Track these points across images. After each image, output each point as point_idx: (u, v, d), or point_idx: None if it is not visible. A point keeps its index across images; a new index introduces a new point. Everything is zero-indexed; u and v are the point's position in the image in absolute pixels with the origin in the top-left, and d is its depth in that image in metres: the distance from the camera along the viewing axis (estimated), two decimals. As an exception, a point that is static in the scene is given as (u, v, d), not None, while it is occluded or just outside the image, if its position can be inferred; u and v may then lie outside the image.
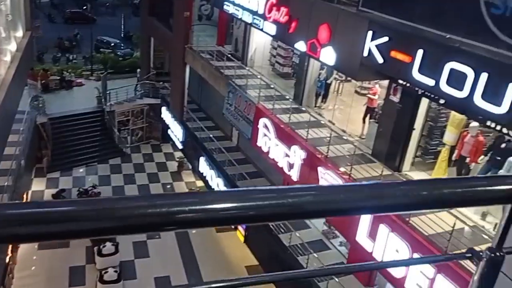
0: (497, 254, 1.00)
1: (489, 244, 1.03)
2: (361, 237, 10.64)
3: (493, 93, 7.90)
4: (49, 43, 37.52)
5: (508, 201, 0.96)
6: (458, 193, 0.93)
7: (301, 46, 12.99)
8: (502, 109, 7.78)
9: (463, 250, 1.03)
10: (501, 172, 10.02)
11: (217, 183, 18.00)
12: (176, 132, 22.78)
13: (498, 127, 8.40)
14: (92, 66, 32.37)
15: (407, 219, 9.74)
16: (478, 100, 8.15)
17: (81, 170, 23.24)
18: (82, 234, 0.79)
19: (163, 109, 24.40)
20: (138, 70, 29.19)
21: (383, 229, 9.98)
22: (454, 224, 9.07)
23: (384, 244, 9.95)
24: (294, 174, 13.09)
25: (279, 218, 0.91)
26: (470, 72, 8.24)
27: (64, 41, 39.37)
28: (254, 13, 15.12)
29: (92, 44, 33.71)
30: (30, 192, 20.66)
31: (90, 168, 23.47)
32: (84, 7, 51.96)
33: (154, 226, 0.82)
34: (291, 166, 13.12)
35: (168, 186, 23.01)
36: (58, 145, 23.25)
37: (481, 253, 1.01)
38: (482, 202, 1.02)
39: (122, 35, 43.37)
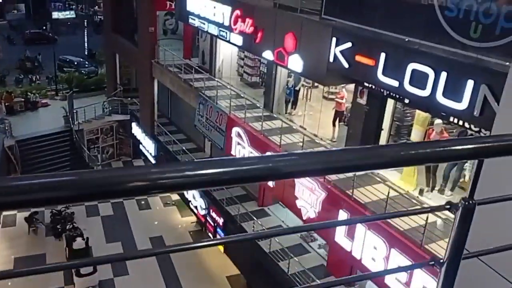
0: (470, 202, 1.25)
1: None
2: (340, 237, 10.92)
3: (453, 91, 8.37)
4: (10, 65, 36.79)
5: (475, 157, 1.23)
6: (437, 151, 1.18)
7: (268, 55, 13.30)
8: (463, 105, 8.24)
9: (443, 203, 1.28)
10: (467, 165, 10.56)
11: (193, 195, 18.04)
12: (148, 147, 22.69)
13: (460, 122, 8.89)
14: (57, 86, 31.88)
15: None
16: (440, 98, 8.61)
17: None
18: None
19: (133, 124, 24.27)
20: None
21: (360, 227, 10.29)
22: (427, 217, 9.49)
23: (362, 242, 10.27)
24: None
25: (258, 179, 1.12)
26: (430, 72, 8.70)
27: (26, 62, 38.63)
28: (220, 25, 15.36)
29: (55, 64, 33.22)
30: (1, 216, 20.12)
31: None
32: (44, 27, 51.09)
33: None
34: (266, 173, 13.32)
35: (143, 202, 22.82)
36: (27, 167, 22.78)
37: (458, 204, 1.27)
38: (454, 158, 1.29)
39: (86, 53, 42.90)
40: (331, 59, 10.94)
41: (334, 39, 10.83)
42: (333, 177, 11.58)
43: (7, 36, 48.26)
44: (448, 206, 1.27)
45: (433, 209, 1.35)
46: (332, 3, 11.42)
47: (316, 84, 15.96)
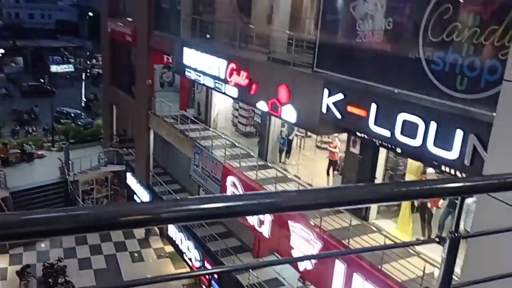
0: (455, 235, 1.42)
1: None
2: (337, 288, 10.75)
3: (444, 140, 8.57)
4: (6, 117, 37.29)
5: (457, 194, 1.38)
6: (426, 189, 1.35)
7: (262, 106, 13.63)
8: (453, 154, 8.41)
9: (433, 237, 1.41)
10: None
11: (188, 246, 17.81)
12: (142, 197, 22.61)
13: (452, 171, 9.04)
14: (53, 137, 32.17)
15: (379, 266, 10.01)
16: (431, 147, 8.79)
17: (42, 245, 22.43)
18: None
19: (128, 175, 24.29)
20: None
21: (357, 278, 10.17)
22: (424, 267, 9.42)
23: (359, 293, 10.11)
24: (265, 230, 13.25)
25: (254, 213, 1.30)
26: (420, 122, 8.94)
27: (23, 114, 39.13)
28: (215, 78, 15.82)
29: (52, 115, 33.70)
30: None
31: (54, 241, 22.67)
32: (42, 80, 52.09)
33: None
34: (261, 222, 13.30)
35: (136, 255, 22.47)
36: (19, 219, 22.46)
37: (445, 237, 1.43)
38: (439, 195, 1.47)
39: (83, 105, 43.62)
40: (324, 110, 11.22)
41: (326, 91, 11.17)
42: (328, 227, 11.57)
43: (4, 88, 49.10)
44: (437, 240, 1.42)
45: (424, 242, 1.52)
46: (324, 57, 11.89)
47: (309, 133, 16.25)
